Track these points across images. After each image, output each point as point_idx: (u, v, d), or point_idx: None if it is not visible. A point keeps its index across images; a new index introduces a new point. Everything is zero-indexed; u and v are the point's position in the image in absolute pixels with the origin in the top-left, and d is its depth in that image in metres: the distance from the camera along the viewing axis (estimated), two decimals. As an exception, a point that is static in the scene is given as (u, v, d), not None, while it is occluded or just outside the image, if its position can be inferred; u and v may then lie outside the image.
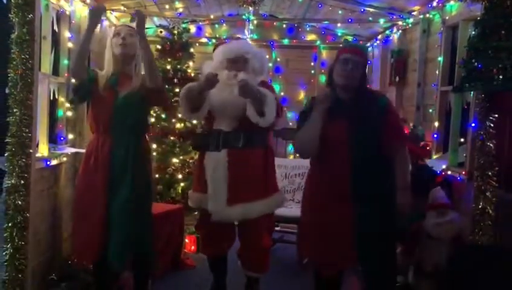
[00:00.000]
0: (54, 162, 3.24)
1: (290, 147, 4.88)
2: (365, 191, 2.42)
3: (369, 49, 5.24)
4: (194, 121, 4.24)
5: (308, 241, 2.63)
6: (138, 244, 2.75)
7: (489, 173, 2.80)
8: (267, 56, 5.21)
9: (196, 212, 4.18)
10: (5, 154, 2.76)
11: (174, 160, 4.34)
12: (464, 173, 3.11)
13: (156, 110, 4.45)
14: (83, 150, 3.61)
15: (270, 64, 5.22)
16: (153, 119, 4.44)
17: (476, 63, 2.69)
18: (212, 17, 4.99)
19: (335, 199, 2.46)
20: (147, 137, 3.01)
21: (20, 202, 2.74)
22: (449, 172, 3.30)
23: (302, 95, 5.38)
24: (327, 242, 2.48)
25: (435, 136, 3.65)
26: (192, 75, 4.48)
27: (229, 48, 2.84)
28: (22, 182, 2.75)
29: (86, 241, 2.74)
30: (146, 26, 5.20)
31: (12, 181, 2.74)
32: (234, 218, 2.83)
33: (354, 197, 2.43)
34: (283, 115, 2.95)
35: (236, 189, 2.77)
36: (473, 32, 2.79)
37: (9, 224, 2.74)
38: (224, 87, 2.77)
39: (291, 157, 4.80)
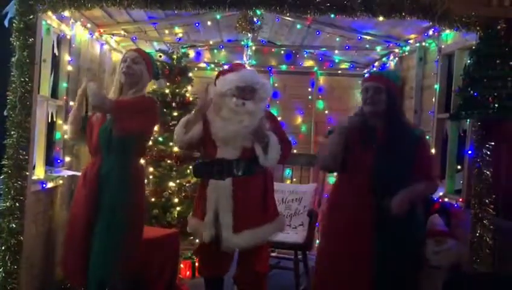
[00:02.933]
0: (50, 184, 3.22)
1: (287, 172, 4.87)
2: (386, 223, 2.39)
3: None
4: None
5: (322, 269, 2.61)
6: (104, 272, 2.67)
7: (487, 201, 2.81)
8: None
9: (192, 237, 4.15)
10: (1, 177, 2.75)
11: (171, 184, 4.32)
12: (461, 200, 3.10)
13: (154, 134, 4.45)
14: (79, 173, 3.61)
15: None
16: (149, 143, 4.43)
17: (471, 91, 2.73)
18: (211, 42, 5.04)
19: (354, 227, 2.45)
20: (140, 159, 2.99)
21: (14, 225, 2.72)
22: (446, 199, 3.30)
23: (299, 120, 5.40)
24: (343, 271, 2.46)
25: (432, 162, 3.65)
26: (191, 99, 4.51)
27: (240, 76, 2.89)
28: (17, 204, 2.73)
29: (74, 263, 2.70)
30: (146, 51, 5.27)
31: (7, 204, 2.72)
32: (243, 245, 2.83)
33: (374, 226, 2.41)
34: (286, 158, 3.00)
35: (241, 216, 2.80)
36: (469, 61, 2.83)
37: (2, 247, 2.71)
38: (231, 116, 2.81)
39: (288, 182, 4.79)
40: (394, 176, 2.42)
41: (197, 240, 3.49)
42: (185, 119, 2.96)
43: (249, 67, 5.08)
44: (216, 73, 3.16)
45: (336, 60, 5.38)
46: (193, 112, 2.98)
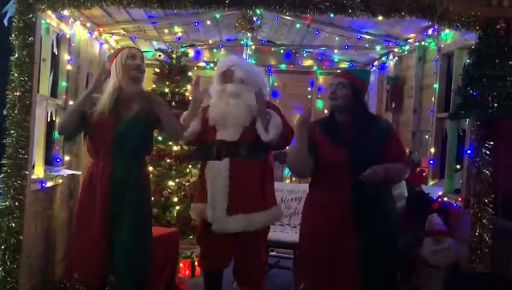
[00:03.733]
0: (50, 184, 3.22)
1: (287, 171, 4.87)
2: (366, 218, 2.40)
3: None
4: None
5: (307, 269, 2.59)
6: (139, 272, 2.71)
7: (486, 200, 2.81)
8: (265, 80, 5.27)
9: (191, 237, 4.16)
10: (0, 176, 2.75)
11: (170, 183, 4.32)
12: (460, 199, 3.11)
13: (154, 133, 4.44)
14: (79, 172, 3.61)
15: (267, 89, 5.27)
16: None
17: (471, 91, 2.73)
18: (210, 42, 5.05)
19: (335, 226, 2.44)
20: (146, 160, 2.99)
21: (13, 225, 2.72)
22: (445, 199, 3.30)
23: (298, 119, 5.41)
24: (327, 271, 2.45)
25: (431, 162, 3.66)
26: (190, 98, 4.50)
27: (219, 63, 3.09)
28: (17, 204, 2.73)
29: (88, 266, 2.70)
30: (144, 50, 5.28)
31: (7, 203, 2.72)
32: (234, 228, 2.81)
33: (354, 223, 2.41)
34: (290, 139, 2.98)
35: (236, 199, 2.80)
36: (468, 61, 2.84)
37: (2, 247, 2.71)
38: (219, 99, 2.93)
39: (288, 181, 4.79)
40: (367, 168, 2.39)
41: (195, 239, 3.48)
42: (183, 115, 2.97)
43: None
44: (215, 72, 3.16)
45: (335, 60, 5.38)
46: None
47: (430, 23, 3.13)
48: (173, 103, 4.43)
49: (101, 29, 4.09)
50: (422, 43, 3.95)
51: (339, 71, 2.94)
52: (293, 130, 3.00)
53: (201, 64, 5.32)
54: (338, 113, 2.58)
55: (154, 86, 4.56)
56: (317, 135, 2.57)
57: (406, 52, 4.34)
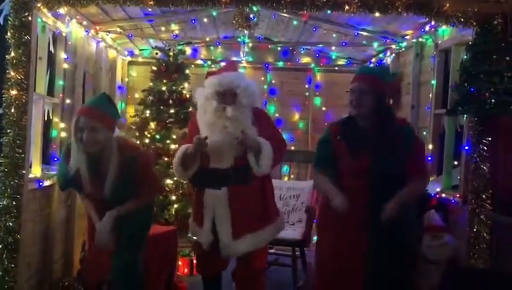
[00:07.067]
0: (47, 183, 3.22)
1: (285, 169, 4.87)
2: (379, 224, 2.38)
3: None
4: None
5: (321, 270, 2.62)
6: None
7: (484, 196, 2.82)
8: (262, 78, 5.28)
9: (190, 235, 4.15)
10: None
11: (168, 181, 4.32)
12: (458, 195, 3.11)
13: (151, 131, 4.45)
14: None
15: (265, 87, 5.27)
16: (147, 140, 4.44)
17: (468, 87, 2.73)
18: (207, 39, 5.03)
19: (351, 228, 2.44)
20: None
21: (11, 224, 2.72)
22: (443, 195, 3.30)
23: (296, 116, 5.40)
24: (339, 273, 2.47)
25: (429, 158, 3.65)
26: (188, 96, 4.50)
27: (219, 80, 2.81)
28: (14, 203, 2.74)
29: (96, 263, 2.77)
30: (141, 48, 5.25)
31: (4, 202, 2.72)
32: (245, 249, 2.82)
33: (371, 226, 2.41)
34: (281, 157, 2.94)
35: (240, 223, 2.79)
36: (465, 57, 2.84)
37: (0, 246, 2.71)
38: (215, 120, 2.76)
39: (286, 179, 4.79)
40: (390, 176, 2.40)
41: (195, 237, 3.49)
42: (180, 155, 2.82)
43: (245, 64, 5.09)
44: (211, 83, 3.01)
45: (333, 57, 5.38)
46: (188, 148, 2.82)
47: (427, 19, 3.13)
48: (170, 101, 4.43)
49: (97, 27, 4.07)
50: (420, 39, 3.95)
51: (356, 73, 2.61)
52: (283, 141, 2.95)
53: (199, 62, 5.31)
54: (360, 119, 2.50)
55: (151, 84, 4.56)
56: (338, 143, 2.52)
57: (403, 49, 4.34)
